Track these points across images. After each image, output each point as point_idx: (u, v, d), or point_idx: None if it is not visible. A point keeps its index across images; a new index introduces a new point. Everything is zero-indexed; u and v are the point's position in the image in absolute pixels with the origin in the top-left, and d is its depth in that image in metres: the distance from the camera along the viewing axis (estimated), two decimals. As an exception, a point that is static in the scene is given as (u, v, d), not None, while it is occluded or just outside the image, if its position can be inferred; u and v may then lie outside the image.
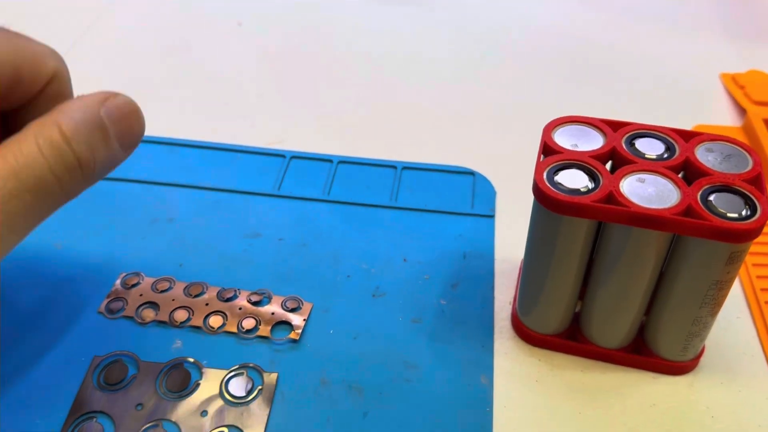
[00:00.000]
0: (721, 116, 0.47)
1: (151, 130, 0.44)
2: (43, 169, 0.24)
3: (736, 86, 0.48)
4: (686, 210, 0.26)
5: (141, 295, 0.34)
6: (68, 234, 0.37)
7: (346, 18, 0.57)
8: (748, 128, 0.44)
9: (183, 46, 0.53)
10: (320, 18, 0.57)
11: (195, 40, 0.54)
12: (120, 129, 0.26)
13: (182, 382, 0.31)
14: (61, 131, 0.24)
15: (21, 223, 0.23)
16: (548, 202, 0.27)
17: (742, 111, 0.46)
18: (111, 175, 0.40)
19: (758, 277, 0.36)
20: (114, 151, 0.27)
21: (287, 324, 0.33)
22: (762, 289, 0.35)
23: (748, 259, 0.36)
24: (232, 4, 0.58)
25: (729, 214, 0.26)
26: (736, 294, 0.35)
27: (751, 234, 0.26)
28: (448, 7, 0.58)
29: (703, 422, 0.30)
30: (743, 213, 0.26)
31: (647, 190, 0.27)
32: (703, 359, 0.32)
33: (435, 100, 0.48)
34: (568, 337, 0.32)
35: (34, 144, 0.23)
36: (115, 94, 0.27)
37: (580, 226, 0.28)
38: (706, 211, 0.26)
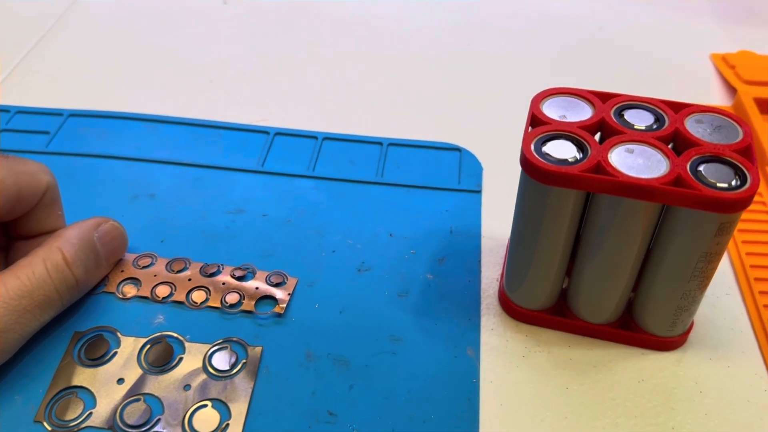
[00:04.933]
0: (712, 96, 0.46)
1: (132, 107, 0.44)
2: (50, 289, 0.29)
3: (727, 66, 0.48)
4: (675, 180, 0.26)
5: (122, 270, 0.34)
6: (48, 210, 0.37)
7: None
8: (738, 107, 0.44)
9: (167, 23, 0.52)
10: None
11: (179, 17, 0.53)
12: (108, 250, 0.32)
13: (164, 356, 0.30)
14: (64, 257, 0.29)
15: (29, 330, 0.28)
16: (536, 173, 0.27)
17: (732, 90, 0.46)
18: (91, 150, 0.40)
19: (747, 254, 0.35)
20: (102, 270, 0.32)
21: (272, 299, 0.33)
22: (751, 266, 0.35)
23: (738, 236, 0.36)
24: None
25: (719, 184, 0.26)
26: (725, 271, 0.35)
27: (740, 204, 0.25)
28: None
29: (691, 398, 0.30)
30: (733, 183, 0.26)
31: (636, 161, 0.27)
32: (691, 335, 0.32)
33: (420, 77, 0.48)
34: (555, 313, 0.32)
35: (43, 268, 0.29)
36: (105, 220, 0.32)
37: (568, 197, 0.28)
38: (696, 181, 0.26)
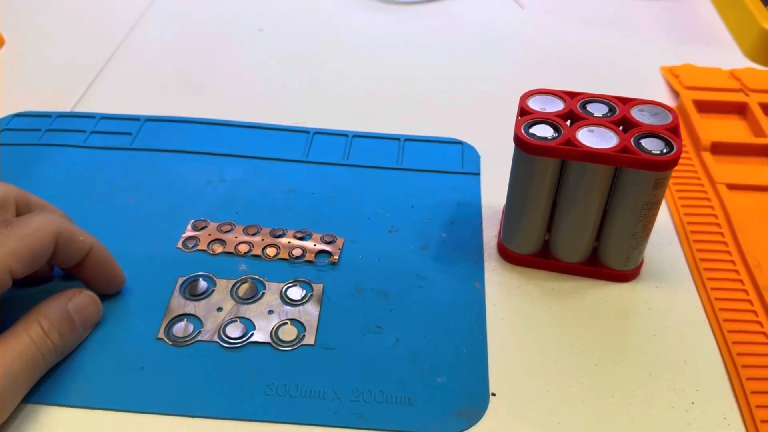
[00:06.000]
0: (660, 99, 0.57)
1: (198, 113, 0.54)
2: (35, 353, 0.34)
3: (672, 75, 0.59)
4: (623, 149, 0.37)
5: (209, 234, 0.44)
6: (138, 193, 0.47)
7: (352, 22, 0.67)
8: (681, 107, 0.55)
9: (217, 46, 0.63)
10: (330, 23, 0.67)
11: (227, 43, 0.64)
12: (82, 317, 0.37)
13: (251, 291, 0.40)
14: (41, 327, 0.34)
15: (24, 389, 0.34)
16: (525, 147, 0.38)
17: (676, 94, 0.57)
18: (168, 147, 0.50)
19: (685, 214, 0.46)
20: (78, 334, 0.37)
21: (326, 252, 0.43)
22: (688, 223, 0.45)
23: (678, 202, 0.47)
24: (253, 13, 0.68)
25: (654, 151, 0.37)
26: (668, 227, 0.46)
27: (669, 164, 0.36)
28: (434, 13, 0.69)
29: (642, 313, 0.40)
30: (664, 151, 0.37)
31: (595, 137, 0.38)
32: (643, 272, 0.43)
33: (429, 87, 0.59)
34: (541, 256, 0.43)
35: (27, 336, 0.34)
36: (80, 291, 0.37)
37: (548, 164, 0.38)
38: (637, 149, 0.37)
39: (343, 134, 0.53)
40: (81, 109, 0.55)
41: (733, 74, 0.58)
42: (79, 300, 0.37)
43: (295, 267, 0.42)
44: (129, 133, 0.52)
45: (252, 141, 0.52)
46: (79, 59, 0.61)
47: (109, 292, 0.40)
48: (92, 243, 0.37)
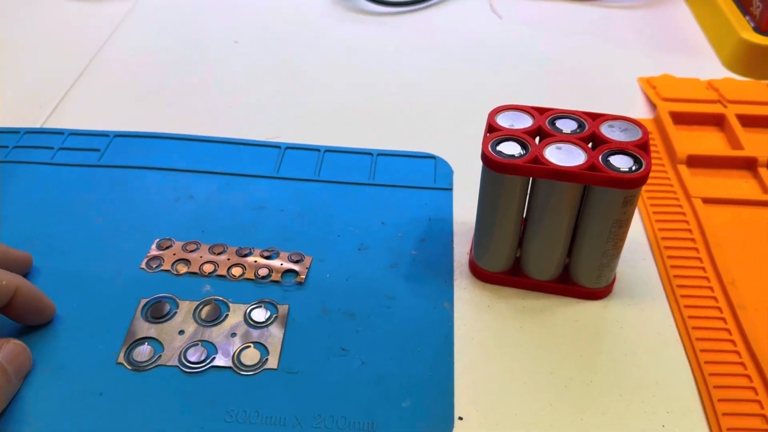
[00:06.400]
0: (637, 111, 0.57)
1: (169, 128, 0.53)
2: None
3: (650, 87, 0.59)
4: (591, 166, 0.36)
5: (174, 254, 0.43)
6: (104, 210, 0.46)
7: (326, 35, 0.67)
8: (657, 119, 0.55)
9: (191, 59, 0.62)
10: (304, 35, 0.66)
11: (201, 55, 0.63)
12: (15, 366, 0.35)
13: (214, 313, 0.40)
14: None
15: None
16: (492, 165, 0.37)
17: (653, 106, 0.57)
18: (137, 163, 0.49)
19: (660, 229, 0.45)
20: (14, 386, 0.35)
21: (293, 272, 0.42)
22: (662, 238, 0.45)
23: (653, 216, 0.46)
24: (228, 25, 0.67)
25: (622, 169, 0.36)
26: (642, 242, 0.45)
27: (638, 182, 0.36)
28: (410, 25, 0.69)
29: (614, 331, 0.40)
30: (633, 168, 0.36)
31: (563, 155, 0.37)
32: (615, 289, 0.42)
33: (402, 101, 0.58)
34: (512, 274, 0.42)
35: None
36: (7, 341, 0.36)
37: (516, 182, 0.38)
38: (605, 167, 0.36)
39: (314, 149, 0.52)
40: (53, 124, 0.54)
41: (711, 85, 0.58)
42: (9, 350, 0.35)
43: (261, 287, 0.41)
44: (97, 150, 0.51)
45: (222, 156, 0.51)
46: (52, 74, 0.60)
47: (39, 323, 0.39)
48: (16, 285, 0.36)
